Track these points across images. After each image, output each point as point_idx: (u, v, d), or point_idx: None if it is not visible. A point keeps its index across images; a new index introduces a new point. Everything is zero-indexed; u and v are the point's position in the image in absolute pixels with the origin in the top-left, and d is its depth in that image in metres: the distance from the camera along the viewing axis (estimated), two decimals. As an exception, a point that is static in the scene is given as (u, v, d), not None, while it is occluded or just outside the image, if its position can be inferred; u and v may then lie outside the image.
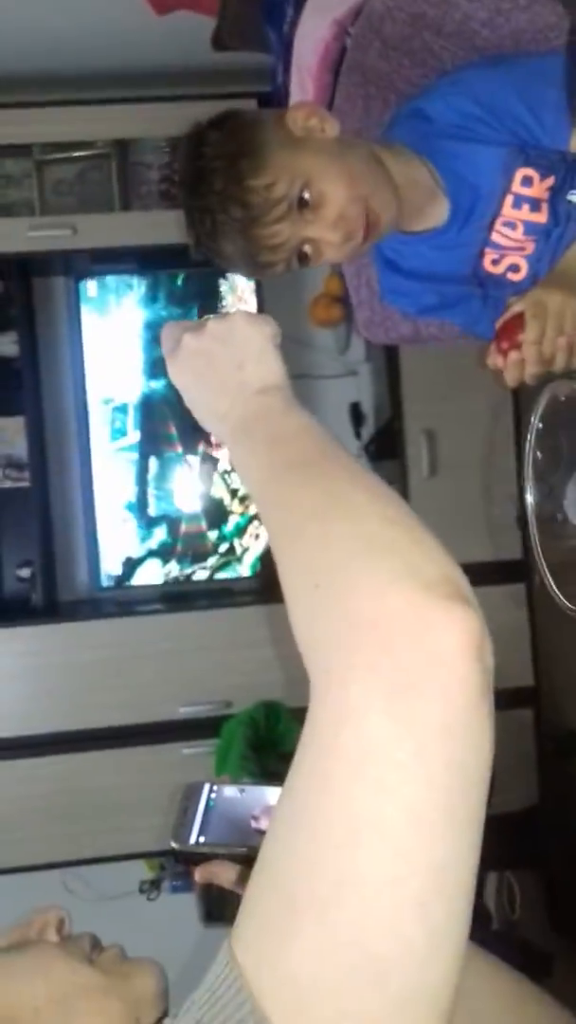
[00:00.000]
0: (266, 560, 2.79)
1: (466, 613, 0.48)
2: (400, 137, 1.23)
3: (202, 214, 1.13)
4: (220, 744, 1.79)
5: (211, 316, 0.72)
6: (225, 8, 1.86)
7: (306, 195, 1.10)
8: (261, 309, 2.82)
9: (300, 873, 0.48)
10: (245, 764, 1.44)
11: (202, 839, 0.80)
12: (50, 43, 2.64)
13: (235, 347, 0.70)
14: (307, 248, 1.15)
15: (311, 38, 1.62)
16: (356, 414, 2.91)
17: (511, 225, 1.22)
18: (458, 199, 1.22)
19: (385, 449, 2.71)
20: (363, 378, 2.92)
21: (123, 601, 2.83)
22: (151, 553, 2.86)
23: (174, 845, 0.80)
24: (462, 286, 1.28)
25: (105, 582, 2.83)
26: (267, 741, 1.65)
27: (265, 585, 2.75)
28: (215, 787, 0.83)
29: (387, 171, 1.16)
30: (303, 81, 1.68)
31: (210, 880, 0.80)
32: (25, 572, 2.80)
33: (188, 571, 2.86)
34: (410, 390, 2.61)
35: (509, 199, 1.20)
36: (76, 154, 2.77)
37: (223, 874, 0.80)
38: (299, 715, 0.51)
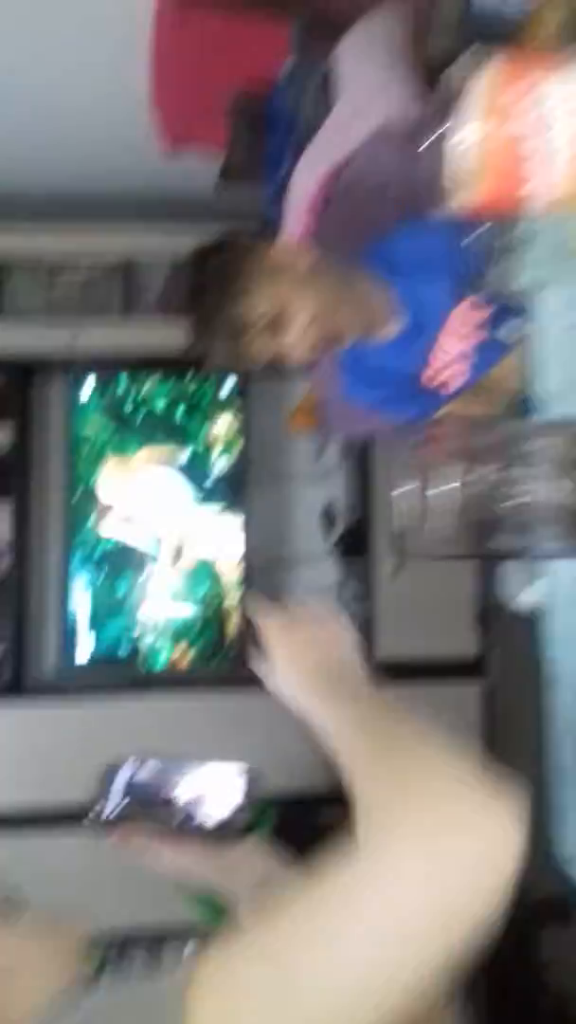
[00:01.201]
0: (237, 650, 2.92)
1: (515, 827, 0.58)
2: (364, 264, 1.47)
3: (198, 320, 1.38)
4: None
5: (306, 604, 0.91)
6: (231, 155, 2.11)
7: (281, 313, 1.35)
8: (246, 413, 3.03)
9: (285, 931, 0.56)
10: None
11: (113, 814, 0.86)
12: (71, 168, 2.89)
13: (326, 640, 0.86)
14: (279, 352, 1.39)
15: (303, 186, 1.87)
16: (328, 516, 3.09)
17: (455, 340, 1.45)
18: (410, 319, 1.45)
19: (351, 547, 2.88)
20: (336, 480, 3.11)
21: (91, 684, 2.94)
22: (119, 639, 2.99)
23: (88, 820, 0.86)
24: (408, 388, 1.50)
25: (75, 663, 2.96)
26: None
27: (233, 674, 2.88)
28: (136, 763, 0.89)
29: (350, 292, 1.41)
30: (294, 219, 1.92)
31: (125, 844, 0.87)
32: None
33: (158, 656, 2.99)
34: (382, 494, 2.80)
35: (453, 322, 1.43)
36: (83, 267, 3.00)
37: (136, 839, 0.87)
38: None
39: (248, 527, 3.00)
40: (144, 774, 0.88)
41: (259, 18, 1.95)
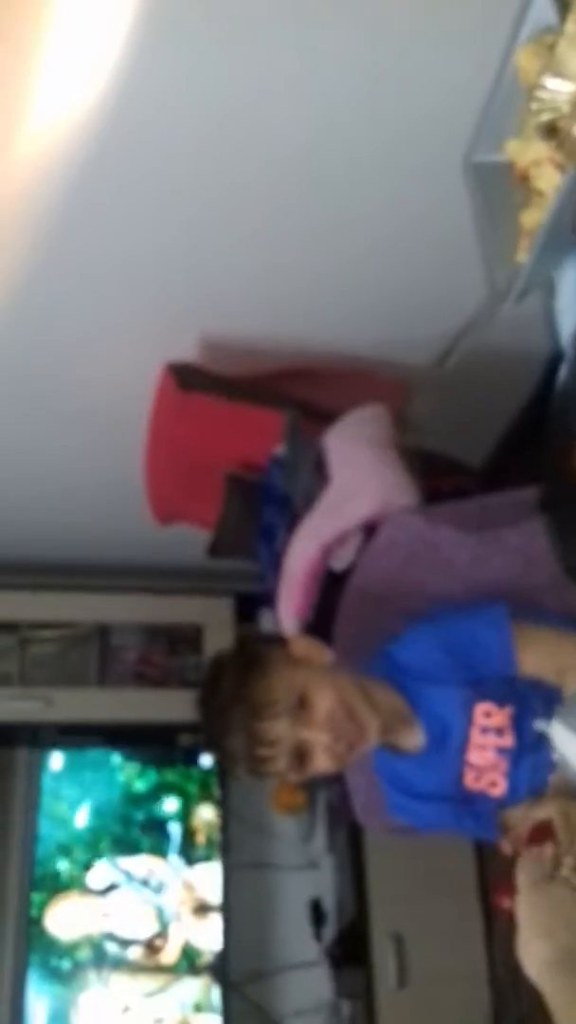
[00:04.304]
0: None
1: None
2: (377, 673, 1.40)
3: (215, 714, 1.28)
4: None
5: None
6: (223, 526, 2.12)
7: (300, 701, 1.26)
8: (224, 789, 2.80)
9: None
10: None
11: None
12: (50, 536, 2.92)
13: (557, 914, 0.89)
14: (302, 748, 1.26)
15: (301, 556, 1.85)
16: (316, 911, 2.75)
17: (482, 748, 1.34)
18: (431, 728, 1.36)
19: (349, 954, 2.52)
20: (325, 872, 2.80)
21: None
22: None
23: None
24: (454, 802, 1.36)
25: None
26: None
27: None
28: None
29: (369, 692, 1.33)
30: (291, 590, 1.88)
31: None
32: None
33: None
34: (376, 889, 2.51)
35: (475, 730, 1.34)
36: (58, 633, 2.93)
37: None
38: None
39: (227, 925, 2.64)
40: None
41: (254, 406, 2.04)
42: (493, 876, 2.54)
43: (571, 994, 0.80)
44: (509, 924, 0.93)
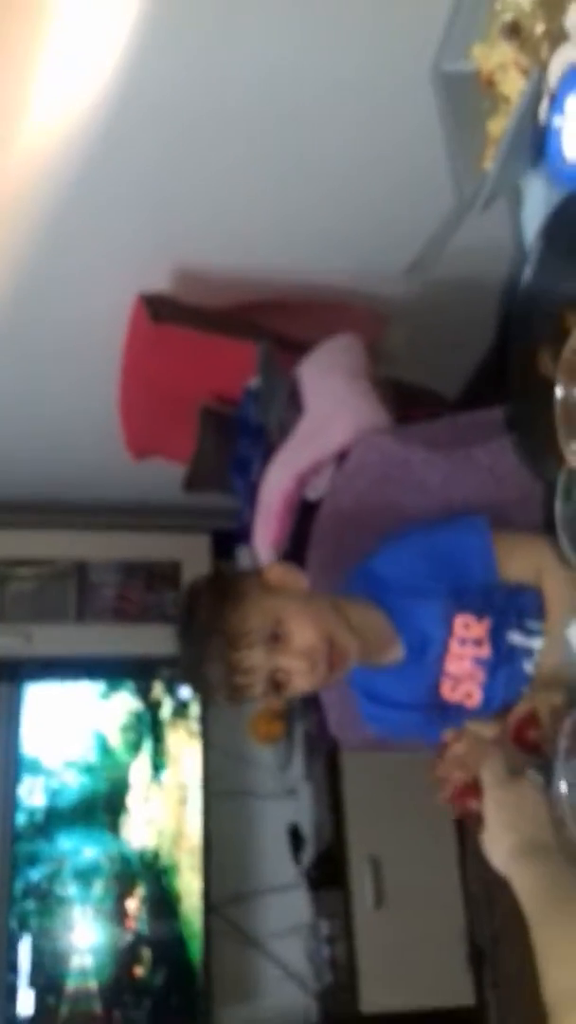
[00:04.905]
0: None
1: None
2: (356, 590, 1.43)
3: (190, 644, 1.30)
4: None
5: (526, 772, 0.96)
6: (198, 459, 2.12)
7: (277, 631, 1.27)
8: (204, 719, 2.84)
9: None
10: None
11: None
12: (28, 474, 2.91)
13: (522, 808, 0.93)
14: (279, 676, 1.29)
15: (276, 487, 1.86)
16: (295, 837, 2.82)
17: (460, 658, 1.37)
18: (410, 641, 1.39)
19: (327, 877, 2.59)
20: (303, 799, 2.87)
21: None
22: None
23: None
24: (428, 711, 1.40)
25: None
26: None
27: None
28: None
29: (347, 615, 1.34)
30: (267, 520, 1.89)
31: None
32: None
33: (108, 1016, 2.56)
34: (353, 814, 2.57)
35: (454, 641, 1.37)
36: (37, 570, 2.93)
37: None
38: None
39: (208, 850, 2.70)
40: None
41: (228, 338, 2.03)
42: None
43: (535, 879, 0.83)
44: (475, 825, 0.96)
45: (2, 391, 2.45)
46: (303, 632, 1.27)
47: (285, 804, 2.88)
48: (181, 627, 1.33)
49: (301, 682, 1.28)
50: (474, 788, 0.96)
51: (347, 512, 1.59)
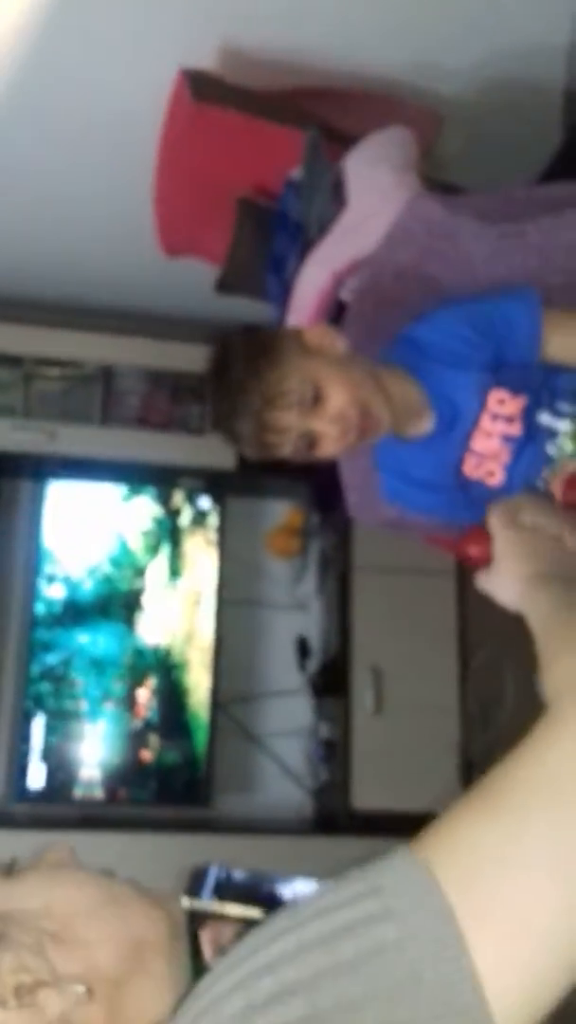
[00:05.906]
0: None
1: None
2: (394, 359, 1.39)
3: (223, 397, 1.28)
4: None
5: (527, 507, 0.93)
6: (233, 257, 2.05)
7: (313, 394, 1.25)
8: (222, 529, 2.89)
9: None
10: None
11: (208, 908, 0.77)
12: (59, 273, 2.84)
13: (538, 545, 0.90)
14: (310, 437, 1.28)
15: (311, 285, 1.81)
16: (302, 647, 2.91)
17: (489, 435, 1.36)
18: (442, 413, 1.37)
19: (330, 684, 2.69)
20: (312, 613, 2.95)
21: (42, 817, 2.67)
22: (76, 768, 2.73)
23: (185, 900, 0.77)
24: (450, 490, 1.40)
25: (25, 795, 2.68)
26: None
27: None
28: (223, 868, 0.81)
29: (383, 384, 1.32)
30: (298, 316, 1.85)
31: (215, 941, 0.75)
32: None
33: (113, 792, 2.72)
34: (360, 627, 2.64)
35: (486, 416, 1.35)
36: (63, 371, 2.91)
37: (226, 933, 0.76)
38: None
39: (218, 652, 2.80)
40: (237, 876, 0.83)
41: (273, 123, 1.93)
42: (472, 620, 2.67)
43: (554, 604, 0.79)
44: (475, 570, 0.94)
45: (30, 176, 2.36)
46: (339, 398, 1.25)
47: (295, 616, 2.96)
48: (212, 377, 1.30)
49: (330, 446, 1.28)
50: (477, 534, 0.94)
51: (386, 288, 1.53)
